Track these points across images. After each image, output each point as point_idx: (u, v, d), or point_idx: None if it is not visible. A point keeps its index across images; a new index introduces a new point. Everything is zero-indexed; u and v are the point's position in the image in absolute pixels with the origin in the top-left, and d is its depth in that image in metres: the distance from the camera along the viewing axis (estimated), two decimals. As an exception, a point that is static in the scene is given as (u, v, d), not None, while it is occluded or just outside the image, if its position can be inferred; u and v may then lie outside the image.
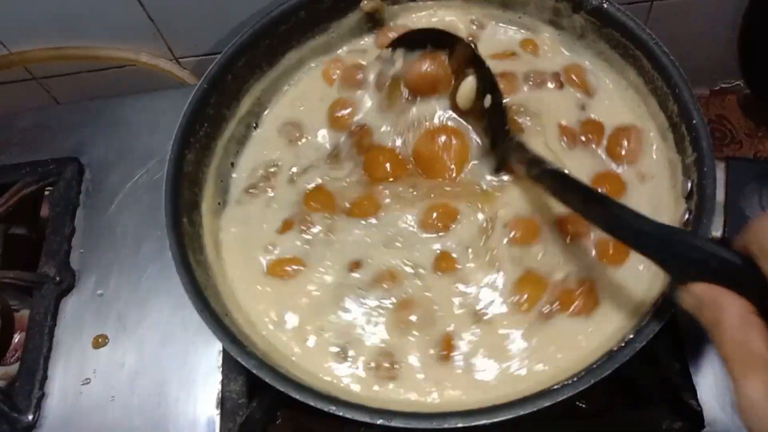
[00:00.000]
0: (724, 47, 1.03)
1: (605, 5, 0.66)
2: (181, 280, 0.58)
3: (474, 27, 0.74)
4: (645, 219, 0.49)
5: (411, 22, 0.76)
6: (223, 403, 0.70)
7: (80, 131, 0.91)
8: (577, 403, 0.71)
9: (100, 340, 0.76)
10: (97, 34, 0.92)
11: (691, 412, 0.65)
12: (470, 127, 0.67)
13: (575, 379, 0.52)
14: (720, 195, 0.57)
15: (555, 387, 0.52)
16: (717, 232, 0.56)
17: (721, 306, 0.41)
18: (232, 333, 0.56)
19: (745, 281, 0.41)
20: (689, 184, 0.59)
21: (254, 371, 0.53)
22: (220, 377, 0.72)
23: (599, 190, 0.58)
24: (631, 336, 0.52)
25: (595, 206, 0.53)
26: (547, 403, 0.51)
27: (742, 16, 0.97)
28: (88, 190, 0.86)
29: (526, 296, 0.60)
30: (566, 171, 0.59)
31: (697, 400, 0.66)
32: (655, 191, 0.63)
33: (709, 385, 0.68)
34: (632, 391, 0.69)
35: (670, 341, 0.69)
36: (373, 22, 0.76)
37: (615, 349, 0.52)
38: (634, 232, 0.49)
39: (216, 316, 0.56)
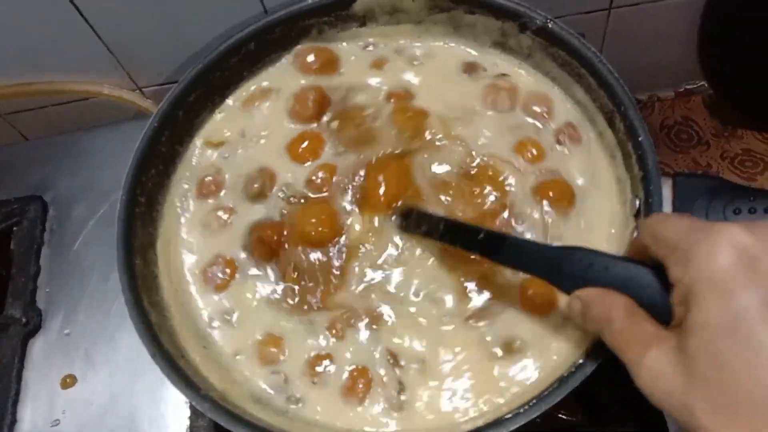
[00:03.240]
0: (686, 49, 1.03)
1: (550, 24, 0.66)
2: (134, 326, 0.58)
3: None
4: (533, 243, 0.56)
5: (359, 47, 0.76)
6: (191, 438, 0.70)
7: (44, 168, 0.91)
8: (559, 414, 0.72)
9: (68, 380, 0.76)
10: (59, 68, 0.92)
11: (655, 424, 0.66)
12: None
13: (527, 407, 0.52)
14: (667, 212, 0.57)
15: (507, 416, 0.52)
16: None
17: (607, 303, 0.44)
18: (186, 376, 0.56)
19: (641, 282, 0.44)
20: (637, 203, 0.59)
21: (208, 414, 0.54)
22: (188, 413, 0.72)
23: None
24: (581, 361, 0.53)
25: (489, 242, 0.55)
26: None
27: (700, 18, 0.97)
28: (53, 227, 0.86)
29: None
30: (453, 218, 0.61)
31: (662, 412, 0.66)
32: (602, 210, 0.63)
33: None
34: (595, 406, 0.69)
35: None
36: (324, 49, 0.76)
37: (565, 374, 0.52)
38: (524, 257, 0.52)
39: (170, 360, 0.57)
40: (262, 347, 0.62)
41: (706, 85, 1.10)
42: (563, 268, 0.48)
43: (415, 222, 0.62)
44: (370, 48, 0.75)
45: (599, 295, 0.45)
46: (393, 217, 0.64)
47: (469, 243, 0.57)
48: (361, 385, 0.59)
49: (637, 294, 0.44)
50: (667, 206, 0.57)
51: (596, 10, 0.95)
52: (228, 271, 0.66)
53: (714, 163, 1.07)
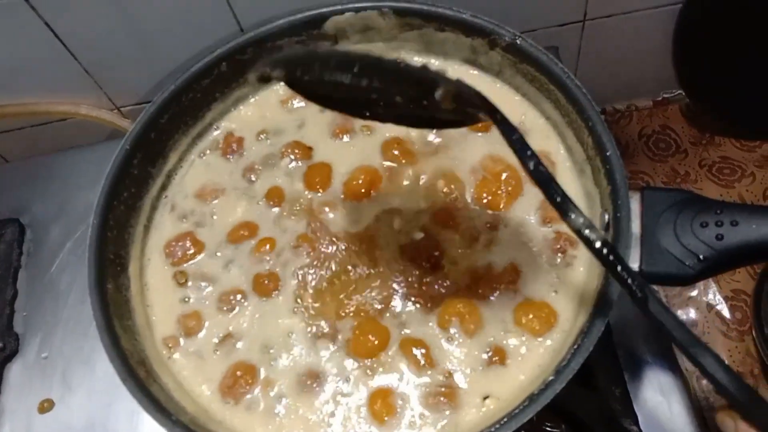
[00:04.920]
0: (662, 58, 1.04)
1: (518, 41, 0.67)
2: (105, 351, 0.58)
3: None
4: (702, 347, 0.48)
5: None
6: (169, 460, 0.70)
7: (21, 190, 0.91)
8: (545, 427, 0.72)
9: (45, 404, 0.76)
10: (37, 89, 0.92)
11: (633, 438, 0.66)
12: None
13: (498, 425, 0.52)
14: (636, 227, 0.58)
15: (478, 435, 0.52)
16: (634, 264, 0.57)
17: None
18: (157, 401, 0.56)
19: None
20: (606, 217, 0.59)
21: (179, 439, 0.53)
22: (166, 435, 0.71)
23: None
24: (551, 378, 0.53)
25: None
26: (473, 452, 0.51)
27: (673, 29, 0.98)
28: (30, 250, 0.86)
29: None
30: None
31: (638, 425, 0.66)
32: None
33: (650, 406, 0.68)
34: (573, 420, 0.69)
35: (610, 366, 0.69)
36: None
37: (536, 392, 0.52)
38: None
39: (141, 385, 0.56)
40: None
41: (683, 93, 1.10)
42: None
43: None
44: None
45: None
46: None
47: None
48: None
49: None
50: (636, 220, 0.58)
51: (570, 22, 0.95)
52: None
53: (692, 171, 1.08)
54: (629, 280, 0.47)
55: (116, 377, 0.72)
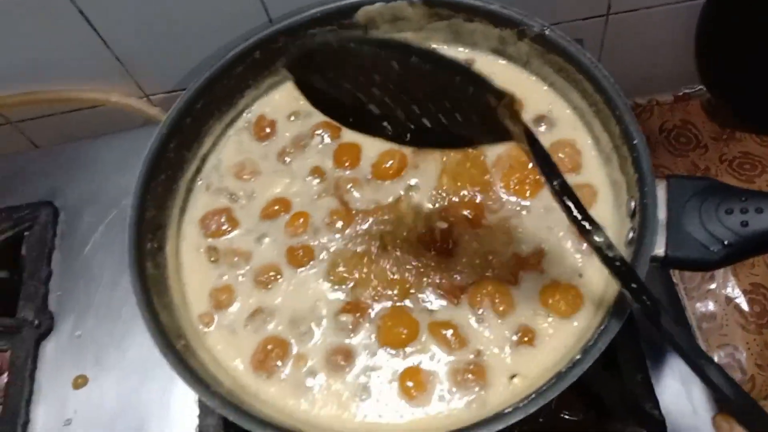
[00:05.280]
0: (684, 53, 1.05)
1: (547, 32, 0.68)
2: (145, 326, 0.60)
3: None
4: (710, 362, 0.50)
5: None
6: (200, 436, 0.72)
7: (54, 174, 0.93)
8: (562, 414, 0.73)
9: (79, 380, 0.78)
10: (69, 77, 0.94)
11: (654, 422, 0.67)
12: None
13: (526, 401, 0.53)
14: (662, 213, 0.59)
15: (507, 410, 0.53)
16: (660, 250, 0.58)
17: None
18: (196, 373, 0.58)
19: None
20: (633, 204, 0.61)
21: (218, 410, 0.55)
22: (197, 411, 0.74)
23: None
24: (578, 356, 0.54)
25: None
26: (500, 426, 0.53)
27: (696, 24, 0.99)
28: (63, 232, 0.88)
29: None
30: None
31: (659, 410, 0.68)
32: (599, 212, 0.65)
33: (671, 394, 0.69)
34: (596, 403, 0.70)
35: (632, 352, 0.70)
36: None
37: (563, 370, 0.54)
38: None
39: (181, 358, 0.58)
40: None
41: (705, 88, 1.11)
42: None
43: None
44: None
45: None
46: None
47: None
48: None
49: None
50: (662, 207, 0.59)
51: (594, 16, 0.96)
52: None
53: (713, 166, 1.09)
54: (644, 297, 0.51)
55: (149, 357, 0.76)
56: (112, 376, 0.78)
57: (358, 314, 0.64)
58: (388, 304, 0.64)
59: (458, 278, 0.65)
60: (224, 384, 0.60)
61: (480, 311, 0.63)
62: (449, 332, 0.62)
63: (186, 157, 0.73)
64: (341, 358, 0.62)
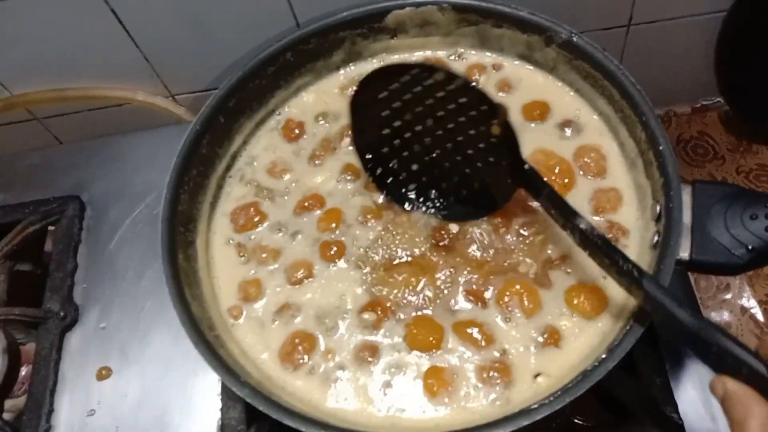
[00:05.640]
0: (702, 66, 1.06)
1: (574, 38, 0.69)
2: (177, 316, 0.61)
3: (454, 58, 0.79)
4: (687, 313, 0.51)
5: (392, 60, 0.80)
6: (222, 429, 0.73)
7: (81, 169, 0.94)
8: (575, 420, 0.74)
9: (104, 372, 0.79)
10: (96, 75, 0.95)
11: (673, 426, 0.68)
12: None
13: (552, 398, 0.54)
14: (687, 217, 0.60)
15: (533, 407, 0.54)
16: (684, 253, 0.59)
17: (749, 408, 0.45)
18: (226, 364, 0.59)
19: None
20: (658, 208, 0.62)
21: (248, 400, 0.56)
22: (219, 405, 0.75)
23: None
24: (604, 356, 0.55)
25: (637, 289, 0.54)
26: (525, 422, 0.54)
27: (717, 36, 1.00)
28: (90, 226, 0.89)
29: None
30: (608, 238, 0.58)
31: (678, 413, 0.68)
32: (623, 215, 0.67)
33: (690, 398, 0.70)
34: (616, 406, 0.71)
35: (651, 357, 0.71)
36: (355, 59, 0.80)
37: (589, 368, 0.55)
38: (676, 326, 0.51)
39: (212, 348, 0.59)
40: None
41: (722, 101, 1.12)
42: (714, 352, 0.48)
43: (551, 202, 0.61)
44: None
45: (743, 395, 0.46)
46: None
47: (603, 262, 0.57)
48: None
49: None
50: (687, 211, 0.60)
51: (615, 26, 0.98)
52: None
53: (729, 178, 1.10)
54: (628, 263, 0.53)
55: (173, 350, 0.77)
56: (135, 368, 0.79)
57: (381, 312, 0.65)
58: (416, 310, 0.66)
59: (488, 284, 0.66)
60: (252, 375, 0.61)
61: (508, 309, 0.64)
62: (475, 330, 0.63)
63: (218, 153, 0.74)
64: (368, 354, 0.63)
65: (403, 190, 0.69)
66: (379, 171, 0.69)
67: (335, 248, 0.69)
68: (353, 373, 0.63)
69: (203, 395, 0.76)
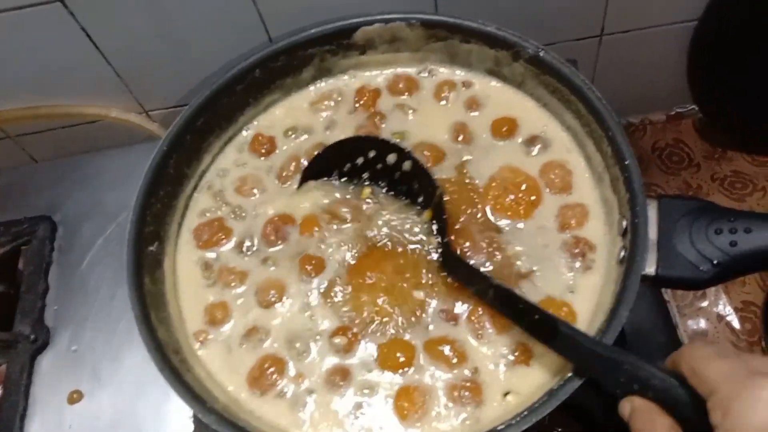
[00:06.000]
0: (676, 74, 1.07)
1: (541, 53, 0.70)
2: (143, 341, 0.60)
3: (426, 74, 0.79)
4: (587, 338, 0.54)
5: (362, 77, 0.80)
6: (195, 452, 0.72)
7: (53, 188, 0.94)
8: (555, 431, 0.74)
9: (75, 395, 0.78)
10: (69, 92, 0.95)
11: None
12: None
13: (518, 419, 0.54)
14: (653, 232, 0.60)
15: (499, 427, 0.54)
16: (651, 268, 0.59)
17: (652, 420, 0.48)
18: (193, 390, 0.58)
19: (678, 398, 0.47)
20: (624, 223, 0.62)
21: (214, 426, 0.56)
22: (192, 427, 0.74)
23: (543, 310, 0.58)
24: (569, 374, 0.55)
25: (542, 326, 0.57)
26: (493, 443, 0.54)
27: (688, 45, 1.01)
28: (61, 246, 0.88)
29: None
30: (511, 288, 0.61)
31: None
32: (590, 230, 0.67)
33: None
34: (586, 418, 0.71)
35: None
36: (324, 76, 0.80)
37: (555, 387, 0.55)
38: (577, 351, 0.54)
39: (178, 374, 0.59)
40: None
41: (696, 108, 1.13)
42: (615, 373, 0.51)
43: (465, 276, 0.64)
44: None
45: (647, 410, 0.48)
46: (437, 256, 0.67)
47: (520, 319, 0.59)
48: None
49: (677, 408, 0.47)
50: (653, 226, 0.60)
51: (588, 37, 0.98)
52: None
53: (704, 185, 1.10)
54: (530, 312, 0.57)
55: (145, 372, 0.76)
56: (107, 391, 0.78)
57: (351, 336, 0.65)
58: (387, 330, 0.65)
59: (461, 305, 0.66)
60: (220, 400, 0.61)
61: (479, 325, 0.64)
62: (446, 348, 0.62)
63: (186, 173, 0.74)
64: (339, 378, 0.63)
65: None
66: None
67: (313, 263, 0.69)
68: (323, 397, 0.62)
69: (176, 418, 0.75)
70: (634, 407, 0.49)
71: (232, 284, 0.69)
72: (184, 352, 0.64)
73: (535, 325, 0.57)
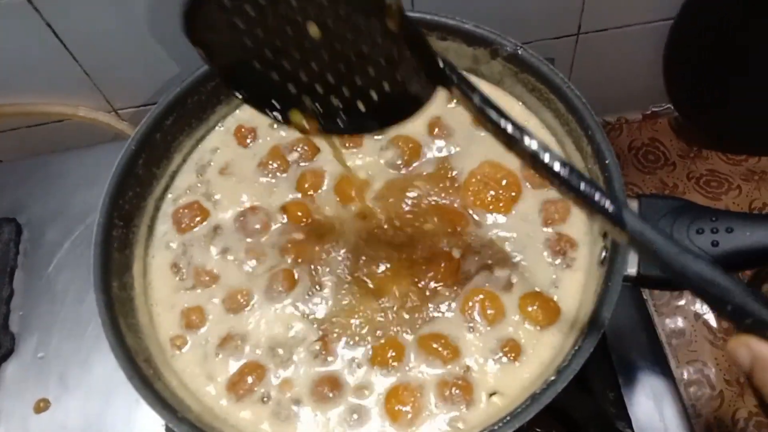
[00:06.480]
0: (652, 73, 1.07)
1: (519, 51, 0.69)
2: (111, 348, 0.58)
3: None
4: (692, 256, 0.43)
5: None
6: (167, 461, 0.70)
7: (18, 190, 0.91)
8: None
9: (42, 404, 0.76)
10: (34, 90, 0.92)
11: (626, 441, 0.67)
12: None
13: (501, 424, 0.53)
14: (634, 233, 0.59)
15: (481, 433, 0.53)
16: (632, 269, 0.58)
17: None
18: (163, 398, 0.56)
19: None
20: (605, 223, 0.61)
21: (185, 436, 0.54)
22: (163, 433, 0.72)
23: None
24: (553, 378, 0.54)
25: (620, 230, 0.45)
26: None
27: (664, 44, 1.01)
28: (26, 250, 0.86)
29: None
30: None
31: (632, 428, 0.68)
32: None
33: (644, 413, 0.70)
34: (569, 423, 0.70)
35: (604, 371, 0.71)
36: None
37: (538, 391, 0.54)
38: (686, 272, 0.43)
39: (147, 382, 0.57)
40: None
41: (672, 107, 1.13)
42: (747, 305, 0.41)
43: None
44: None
45: None
46: None
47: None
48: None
49: None
50: (634, 226, 0.59)
51: (565, 35, 0.98)
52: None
53: (680, 184, 1.11)
54: (597, 197, 0.44)
55: (114, 378, 0.73)
56: (75, 399, 0.75)
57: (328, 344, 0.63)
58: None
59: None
60: (193, 408, 0.59)
61: (471, 316, 0.63)
62: (440, 343, 0.61)
63: (155, 173, 0.71)
64: (327, 388, 0.61)
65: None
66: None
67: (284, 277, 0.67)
68: (312, 408, 0.61)
69: (147, 426, 0.73)
70: (755, 355, 0.40)
71: (208, 285, 0.67)
72: (155, 359, 0.61)
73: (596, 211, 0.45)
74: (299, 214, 0.70)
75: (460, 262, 0.65)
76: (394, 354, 0.61)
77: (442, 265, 0.65)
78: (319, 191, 0.71)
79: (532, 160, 0.46)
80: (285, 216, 0.70)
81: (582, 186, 0.45)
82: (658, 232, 0.44)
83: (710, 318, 1.01)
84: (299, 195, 0.71)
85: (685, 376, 0.97)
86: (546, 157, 0.45)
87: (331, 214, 0.70)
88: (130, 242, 0.68)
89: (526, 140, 0.45)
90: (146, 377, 0.57)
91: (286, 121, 0.55)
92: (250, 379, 0.61)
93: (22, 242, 0.86)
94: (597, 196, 0.45)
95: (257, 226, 0.69)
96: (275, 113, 0.54)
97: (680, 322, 1.01)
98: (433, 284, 0.64)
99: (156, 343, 0.63)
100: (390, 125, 0.53)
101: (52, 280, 0.83)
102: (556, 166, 0.45)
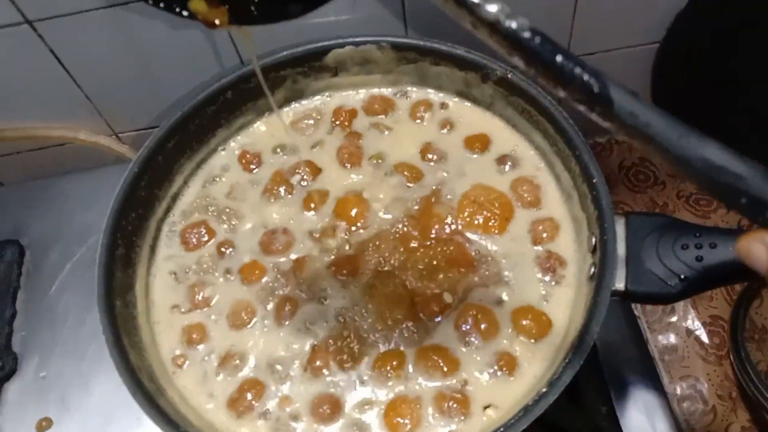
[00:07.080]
0: (641, 93, 1.09)
1: (509, 75, 0.71)
2: (114, 365, 0.59)
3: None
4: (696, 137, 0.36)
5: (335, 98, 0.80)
6: (167, 479, 0.71)
7: (20, 212, 0.92)
8: None
9: (44, 423, 0.76)
10: (36, 114, 0.94)
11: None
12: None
13: (494, 436, 0.54)
14: (621, 249, 0.61)
15: (476, 446, 0.54)
16: (620, 284, 0.60)
17: None
18: (166, 414, 0.57)
19: None
20: (593, 240, 0.63)
21: (188, 452, 0.55)
22: (164, 453, 0.72)
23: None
24: (544, 389, 0.55)
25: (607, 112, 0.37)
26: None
27: (651, 67, 1.03)
28: (29, 271, 0.87)
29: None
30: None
31: (624, 439, 0.69)
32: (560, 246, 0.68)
33: (636, 426, 0.71)
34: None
35: (596, 385, 0.72)
36: (297, 97, 0.80)
37: (530, 403, 0.55)
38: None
39: (150, 398, 0.58)
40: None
41: (661, 128, 1.15)
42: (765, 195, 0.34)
43: None
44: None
45: None
46: None
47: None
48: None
49: None
50: (621, 243, 0.61)
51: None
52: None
53: (670, 202, 1.13)
54: (578, 71, 0.35)
55: (115, 398, 0.75)
56: (77, 418, 0.76)
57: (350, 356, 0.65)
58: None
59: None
60: (194, 425, 0.60)
61: (465, 329, 0.64)
62: (439, 356, 0.63)
63: (157, 195, 0.73)
64: (328, 407, 0.62)
65: None
66: None
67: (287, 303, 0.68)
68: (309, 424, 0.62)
69: (147, 444, 0.74)
70: None
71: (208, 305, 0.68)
72: (157, 375, 0.63)
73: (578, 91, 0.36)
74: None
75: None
76: (395, 363, 0.63)
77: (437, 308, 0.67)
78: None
79: (490, 29, 0.34)
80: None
81: (558, 58, 0.35)
82: (654, 112, 0.36)
83: (702, 334, 1.02)
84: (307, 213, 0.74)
85: (678, 391, 0.98)
86: (511, 24, 0.34)
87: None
88: (133, 262, 0.69)
89: (487, 6, 0.34)
90: (149, 393, 0.59)
91: (190, 15, 0.48)
92: (249, 396, 0.62)
93: (24, 263, 0.87)
94: (577, 70, 0.35)
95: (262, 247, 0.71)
96: (176, 6, 0.48)
97: (672, 339, 1.02)
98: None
99: (158, 361, 0.65)
100: (315, 6, 0.47)
101: (54, 302, 0.84)
102: (525, 34, 0.34)
